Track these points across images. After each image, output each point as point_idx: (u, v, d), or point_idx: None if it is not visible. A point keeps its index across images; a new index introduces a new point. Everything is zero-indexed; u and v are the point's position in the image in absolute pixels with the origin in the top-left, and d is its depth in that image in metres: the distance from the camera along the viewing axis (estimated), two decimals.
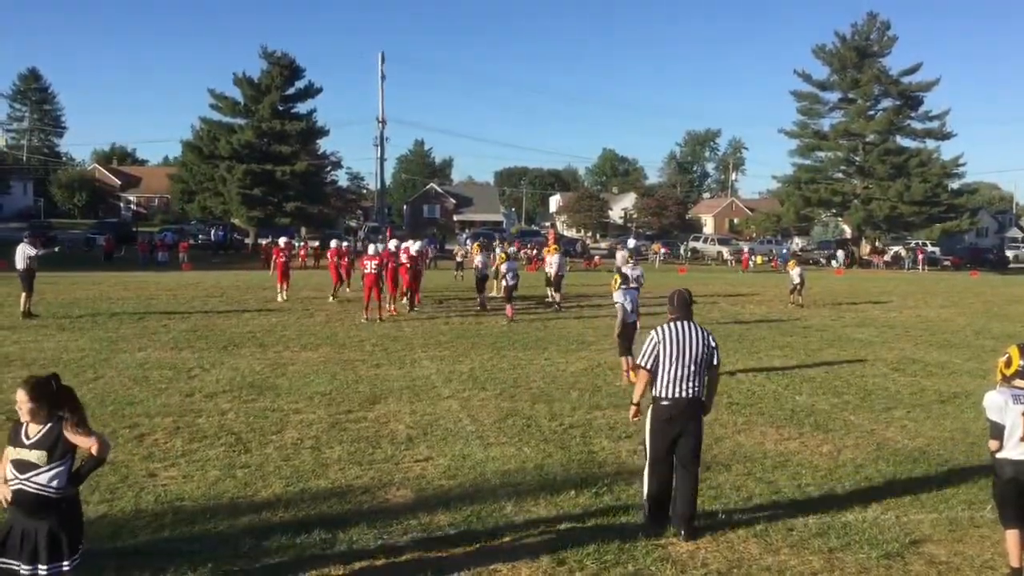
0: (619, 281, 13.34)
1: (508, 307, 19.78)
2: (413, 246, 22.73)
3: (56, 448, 4.37)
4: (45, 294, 22.09)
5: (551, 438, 9.24)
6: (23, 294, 18.41)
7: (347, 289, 24.69)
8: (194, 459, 8.14)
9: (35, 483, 4.35)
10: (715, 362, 6.56)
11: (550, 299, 24.07)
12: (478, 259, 22.88)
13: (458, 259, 36.69)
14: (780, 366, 14.39)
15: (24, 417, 4.40)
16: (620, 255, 31.34)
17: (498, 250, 27.00)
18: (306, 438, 9.00)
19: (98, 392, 10.92)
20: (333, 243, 25.98)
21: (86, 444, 4.39)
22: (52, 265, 27.80)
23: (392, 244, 24.45)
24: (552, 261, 24.02)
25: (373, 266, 19.36)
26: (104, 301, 22.25)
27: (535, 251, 39.32)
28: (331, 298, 23.28)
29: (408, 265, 21.03)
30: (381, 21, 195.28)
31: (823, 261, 59.43)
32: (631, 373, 12.30)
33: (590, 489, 7.41)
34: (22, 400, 4.39)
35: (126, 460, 8.02)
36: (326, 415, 10.05)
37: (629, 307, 12.86)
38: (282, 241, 25.03)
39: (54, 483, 4.38)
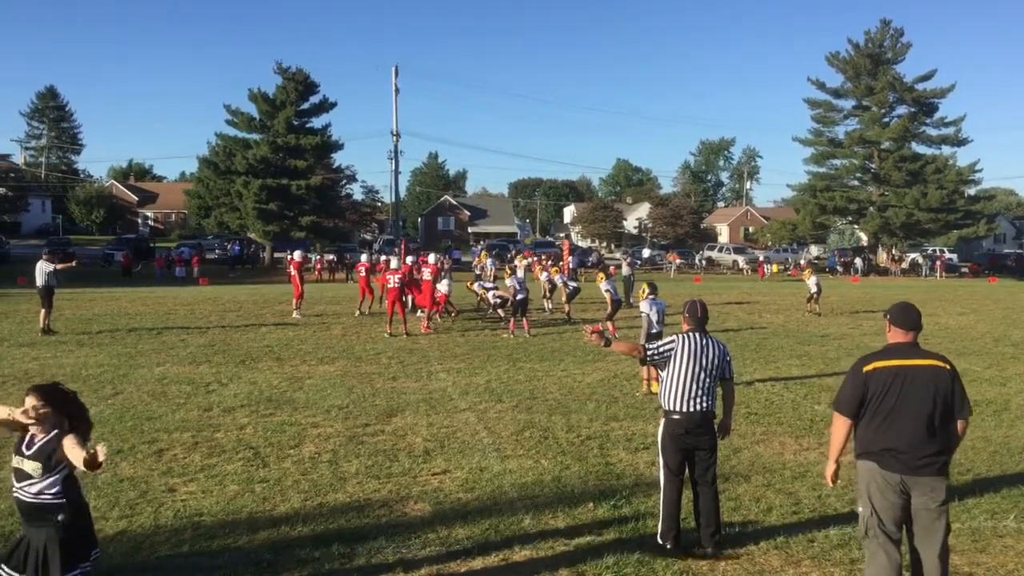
0: (647, 291, 13.21)
1: (524, 321, 19.74)
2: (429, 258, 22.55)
3: (51, 460, 4.37)
4: (64, 310, 22.29)
5: (568, 450, 9.21)
6: (42, 311, 18.56)
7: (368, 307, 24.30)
8: (213, 474, 8.16)
9: (28, 492, 4.38)
10: (728, 375, 6.47)
11: (549, 310, 24.37)
12: (511, 281, 21.12)
13: (477, 271, 36.76)
14: (798, 375, 14.31)
15: (34, 423, 4.39)
16: (625, 265, 31.54)
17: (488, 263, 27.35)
18: (324, 452, 9.01)
19: (117, 408, 10.98)
20: (364, 257, 26.02)
21: (77, 459, 4.27)
22: (71, 281, 28.06)
23: (409, 260, 24.39)
24: (556, 279, 24.79)
25: (396, 280, 19.37)
26: (122, 316, 22.40)
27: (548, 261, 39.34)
28: (357, 311, 23.30)
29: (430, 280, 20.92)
30: (394, 35, 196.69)
31: (840, 269, 59.10)
32: (652, 383, 12.25)
33: (608, 501, 7.38)
34: (33, 405, 4.39)
35: (145, 475, 8.06)
36: (343, 429, 10.06)
37: (655, 317, 12.78)
38: (297, 255, 24.79)
39: (48, 492, 4.39)
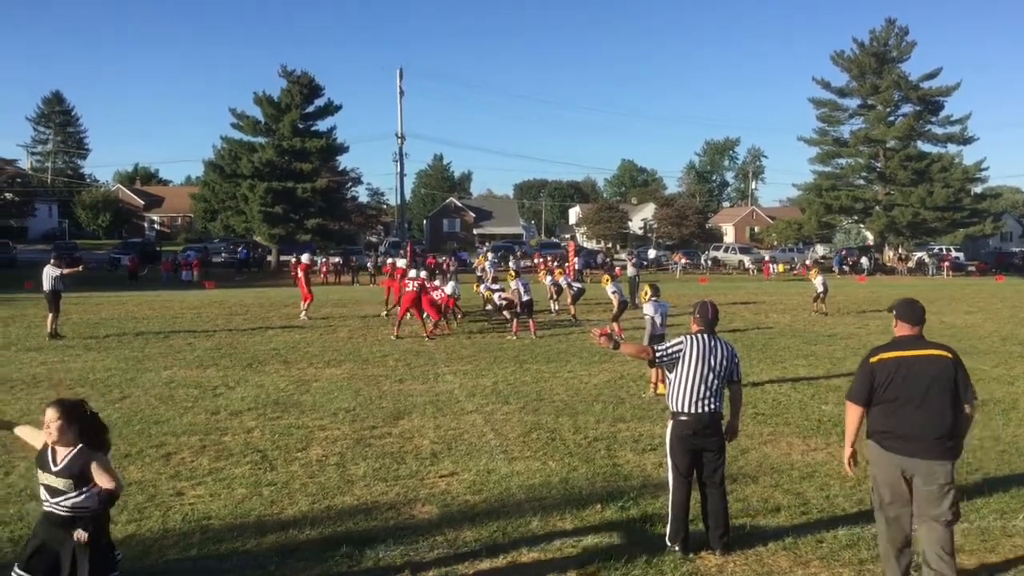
0: (649, 293, 13.33)
1: (530, 322, 19.72)
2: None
3: (83, 476, 4.41)
4: (71, 315, 22.34)
5: (576, 451, 9.21)
6: (49, 315, 18.61)
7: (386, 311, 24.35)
8: (220, 477, 8.17)
9: (65, 507, 4.41)
10: (736, 377, 6.43)
11: (555, 311, 24.50)
12: (516, 284, 20.83)
13: (478, 273, 36.78)
14: (805, 375, 14.29)
15: (52, 437, 4.42)
16: (630, 266, 31.56)
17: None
18: (331, 455, 9.02)
19: (125, 411, 11.00)
20: (398, 262, 27.10)
21: (106, 484, 4.42)
22: (77, 285, 28.13)
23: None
24: (561, 281, 25.14)
25: (415, 285, 19.47)
26: (129, 320, 22.46)
27: (554, 263, 39.45)
28: (384, 313, 23.63)
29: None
30: (397, 36, 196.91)
31: (847, 269, 58.89)
32: (659, 385, 12.25)
33: (616, 503, 7.36)
34: (52, 419, 4.42)
35: (153, 479, 8.07)
36: (351, 431, 10.07)
37: (659, 320, 12.84)
38: (305, 257, 25.04)
39: (84, 506, 4.44)
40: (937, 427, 5.24)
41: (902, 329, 5.61)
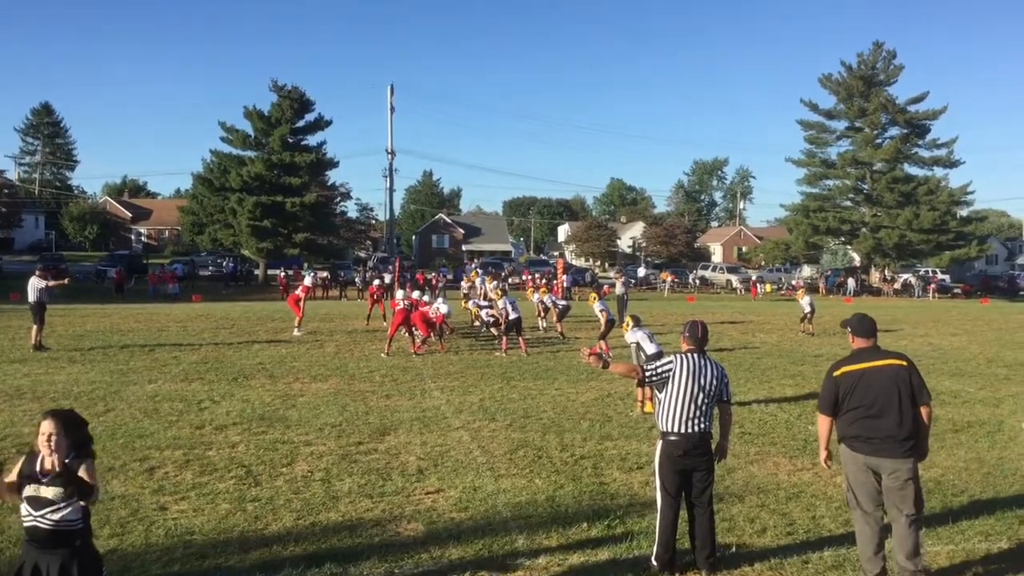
0: (631, 324, 13.43)
1: (520, 340, 19.71)
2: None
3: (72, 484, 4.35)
4: (56, 326, 22.21)
5: (562, 469, 9.19)
6: (34, 327, 18.49)
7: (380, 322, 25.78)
8: (204, 492, 8.10)
9: (50, 519, 4.33)
10: (726, 397, 6.43)
11: (543, 329, 24.89)
12: (503, 302, 20.47)
13: (464, 290, 36.71)
14: (792, 395, 14.31)
15: (47, 449, 4.35)
16: (619, 284, 31.54)
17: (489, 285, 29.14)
18: (316, 470, 8.96)
19: (109, 425, 10.92)
20: (376, 282, 29.25)
21: (89, 480, 4.39)
22: (63, 298, 27.97)
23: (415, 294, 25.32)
24: (546, 299, 25.61)
25: (405, 303, 19.48)
26: (115, 333, 22.32)
27: (542, 280, 39.55)
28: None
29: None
30: (389, 54, 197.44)
31: (835, 288, 59.15)
32: (646, 403, 12.25)
33: (602, 521, 7.35)
34: (50, 431, 4.32)
35: (136, 493, 8.00)
36: (336, 447, 10.01)
37: (648, 339, 12.91)
38: (308, 280, 26.59)
39: (70, 518, 4.37)
40: (898, 429, 5.79)
41: (858, 343, 6.10)
